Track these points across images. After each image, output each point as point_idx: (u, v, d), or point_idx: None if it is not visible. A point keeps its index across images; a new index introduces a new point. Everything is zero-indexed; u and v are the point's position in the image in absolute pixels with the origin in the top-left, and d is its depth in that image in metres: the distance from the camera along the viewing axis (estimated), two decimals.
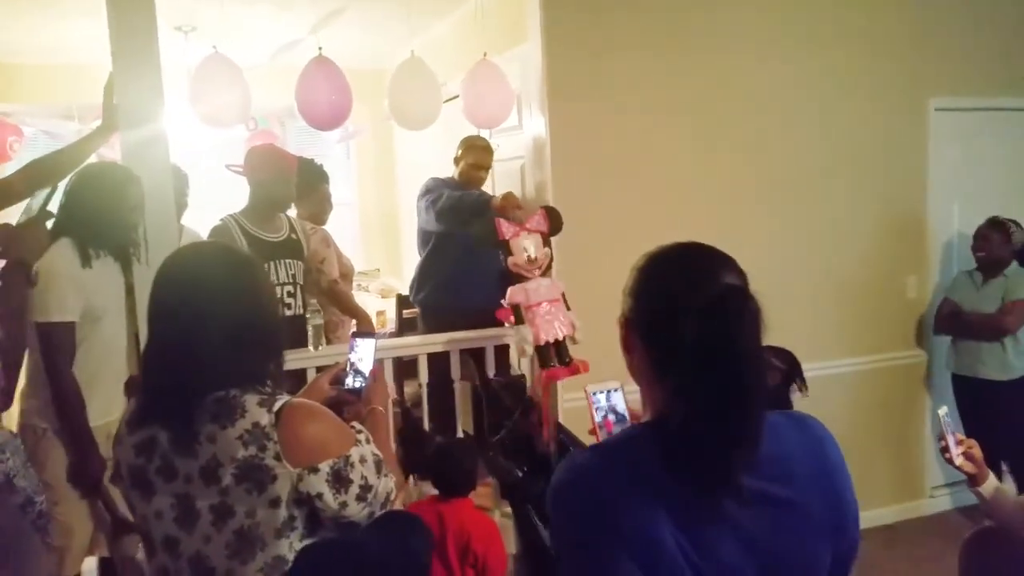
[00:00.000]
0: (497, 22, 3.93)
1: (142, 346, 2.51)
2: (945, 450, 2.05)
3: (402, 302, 4.32)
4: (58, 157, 2.58)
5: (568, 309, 2.96)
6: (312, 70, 3.37)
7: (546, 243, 2.95)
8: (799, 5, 3.62)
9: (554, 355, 2.91)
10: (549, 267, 2.96)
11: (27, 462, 2.07)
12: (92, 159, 2.76)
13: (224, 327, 1.33)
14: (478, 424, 3.62)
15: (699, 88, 3.45)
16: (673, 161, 3.43)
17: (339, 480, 1.33)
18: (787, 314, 3.55)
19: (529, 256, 2.89)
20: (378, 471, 1.41)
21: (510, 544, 3.19)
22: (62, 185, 2.44)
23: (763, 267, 3.69)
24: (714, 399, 0.99)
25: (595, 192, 3.32)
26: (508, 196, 3.10)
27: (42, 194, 1.75)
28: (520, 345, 2.89)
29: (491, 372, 3.35)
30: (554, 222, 2.96)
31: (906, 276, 3.95)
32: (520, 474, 3.08)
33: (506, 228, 2.87)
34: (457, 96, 3.69)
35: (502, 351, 3.32)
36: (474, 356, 3.44)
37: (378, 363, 1.82)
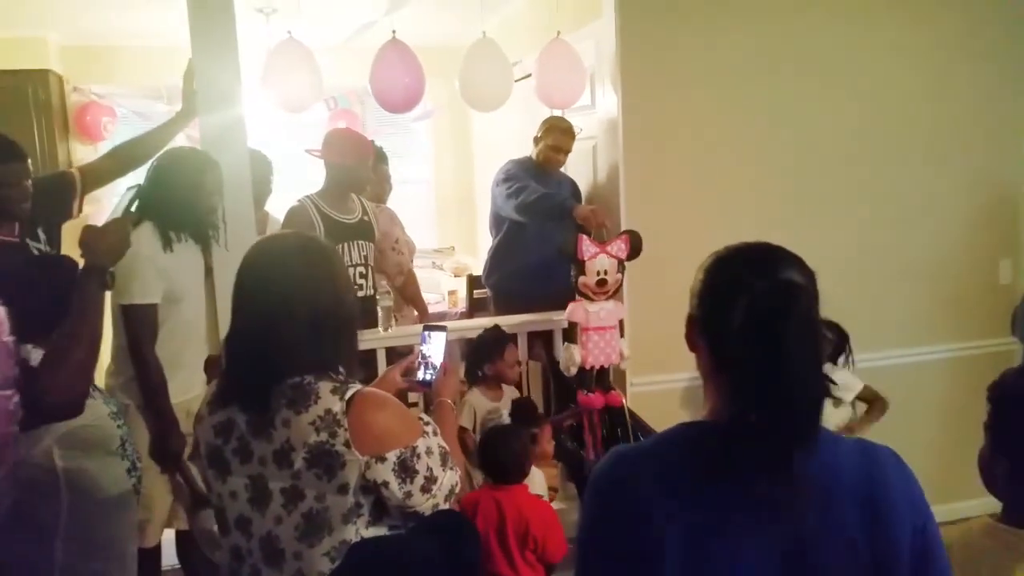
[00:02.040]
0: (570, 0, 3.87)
1: (221, 326, 2.63)
2: None
3: (473, 282, 4.34)
4: (140, 142, 2.68)
5: (622, 336, 2.97)
6: (386, 53, 3.39)
7: (620, 268, 2.93)
8: None
9: (595, 379, 2.94)
10: (617, 291, 2.95)
11: (131, 432, 2.19)
12: (178, 142, 2.86)
13: (302, 315, 1.37)
14: (546, 406, 3.63)
15: (778, 64, 3.32)
16: (750, 140, 3.32)
17: (405, 470, 1.35)
18: (871, 299, 3.46)
19: (600, 279, 2.87)
20: (443, 463, 1.43)
21: (571, 527, 3.20)
22: (115, 186, 2.53)
23: (849, 251, 3.62)
24: (761, 394, 1.00)
25: (668, 171, 3.25)
26: (596, 211, 3.09)
27: (127, 195, 1.82)
28: (567, 364, 2.91)
29: (559, 355, 3.35)
30: (634, 249, 2.93)
31: (1000, 260, 3.74)
32: (585, 456, 3.09)
33: (587, 249, 2.86)
34: (530, 75, 3.66)
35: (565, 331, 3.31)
36: (542, 338, 3.45)
37: (447, 357, 1.83)
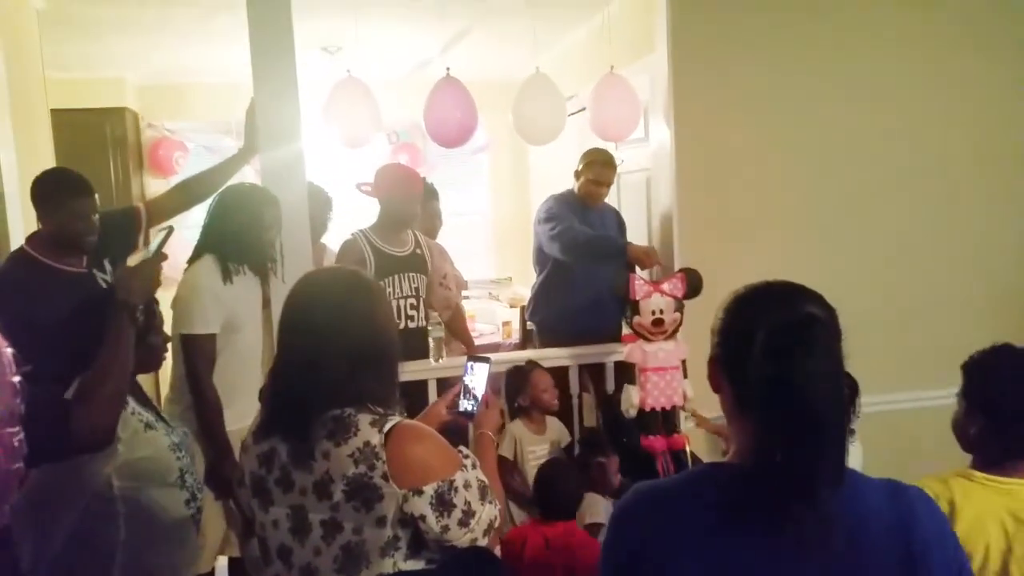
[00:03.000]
0: (624, 34, 3.89)
1: None
2: None
3: (526, 313, 4.34)
4: (204, 178, 2.79)
5: (685, 376, 2.88)
6: (439, 91, 3.46)
7: (678, 307, 2.86)
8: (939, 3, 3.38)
9: (661, 422, 2.86)
10: (676, 330, 2.88)
11: (193, 461, 2.24)
12: (245, 174, 2.95)
13: (343, 349, 1.39)
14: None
15: (833, 96, 3.28)
16: (805, 173, 3.29)
17: (442, 503, 1.35)
18: (933, 334, 3.33)
19: (656, 319, 2.82)
20: (482, 497, 1.42)
21: None
22: (185, 220, 2.60)
23: (914, 286, 3.49)
24: (784, 431, 0.99)
25: (722, 205, 3.23)
26: (649, 251, 3.06)
27: (160, 235, 1.88)
28: (626, 406, 2.86)
29: (610, 388, 3.33)
30: (692, 288, 2.86)
31: None
32: None
33: (639, 288, 2.82)
34: (584, 109, 3.69)
35: (622, 368, 3.28)
36: (592, 372, 3.42)
37: (489, 389, 1.83)
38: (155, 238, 1.87)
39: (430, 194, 3.76)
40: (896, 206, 3.38)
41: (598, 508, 2.71)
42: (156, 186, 5.42)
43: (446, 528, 1.36)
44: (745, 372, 1.04)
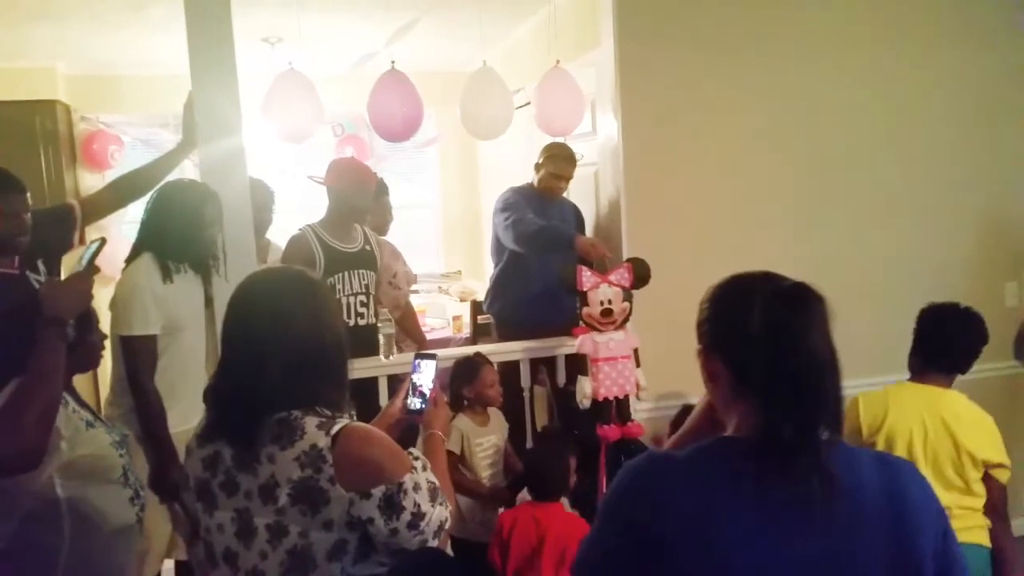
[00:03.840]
0: (570, 28, 3.90)
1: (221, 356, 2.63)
2: None
3: (477, 308, 4.34)
4: (141, 173, 2.70)
5: (638, 366, 2.91)
6: (384, 84, 3.41)
7: (626, 297, 2.89)
8: None
9: (615, 411, 2.88)
10: (626, 320, 2.90)
11: (133, 462, 2.18)
12: (187, 169, 2.87)
13: (289, 351, 1.37)
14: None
15: (779, 90, 3.32)
16: (752, 165, 3.32)
17: (391, 506, 1.33)
18: (874, 322, 3.43)
19: (604, 309, 2.84)
20: (432, 499, 1.40)
21: None
22: (121, 222, 2.54)
23: (853, 276, 3.60)
24: (789, 393, 1.03)
25: (669, 197, 3.24)
26: (597, 244, 3.08)
27: (91, 247, 1.81)
28: (579, 397, 2.88)
29: (562, 381, 3.34)
30: (639, 277, 2.89)
31: (1005, 283, 3.71)
32: (592, 484, 3.07)
33: (586, 279, 2.83)
34: (530, 103, 3.68)
35: (573, 359, 3.29)
36: (546, 365, 3.43)
37: (437, 386, 1.82)
38: (86, 250, 1.79)
39: (381, 189, 3.73)
40: (846, 194, 3.43)
41: None
42: (91, 181, 5.25)
43: (395, 531, 1.34)
44: (743, 347, 1.08)
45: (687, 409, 2.57)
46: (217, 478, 1.39)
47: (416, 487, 1.37)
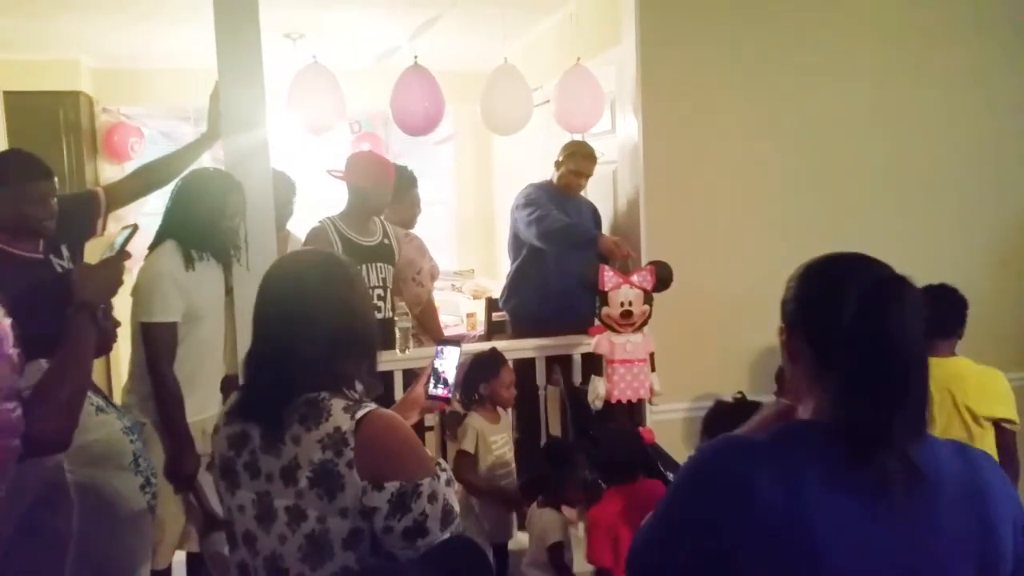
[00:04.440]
0: (591, 26, 3.90)
1: (240, 346, 2.64)
2: None
3: (492, 305, 4.33)
4: (165, 162, 2.72)
5: (653, 370, 2.89)
6: (407, 78, 3.43)
7: (647, 300, 2.86)
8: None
9: (628, 415, 2.88)
10: (644, 323, 2.88)
11: (146, 447, 2.18)
12: (204, 162, 2.89)
13: (320, 332, 1.37)
14: (564, 432, 3.60)
15: (801, 90, 3.31)
16: (773, 166, 3.31)
17: (401, 505, 1.29)
18: None
19: (624, 311, 2.82)
20: (445, 523, 1.34)
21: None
22: (160, 199, 2.56)
23: None
24: (876, 385, 1.02)
25: (689, 197, 3.24)
26: (620, 243, 3.07)
27: (124, 233, 1.82)
28: (592, 397, 2.86)
29: (577, 380, 3.33)
30: (661, 280, 2.87)
31: None
32: (604, 487, 3.05)
33: (608, 279, 2.81)
34: (549, 100, 3.69)
35: (589, 359, 3.28)
36: (560, 363, 3.43)
37: (460, 374, 1.80)
38: (119, 235, 1.80)
39: (410, 182, 3.71)
40: (868, 195, 3.42)
41: (556, 525, 2.67)
42: (110, 172, 5.29)
43: (389, 530, 1.30)
44: (832, 332, 1.06)
45: (720, 405, 2.56)
46: (242, 457, 1.39)
47: (432, 496, 1.32)
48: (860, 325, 1.04)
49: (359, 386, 1.44)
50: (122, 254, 1.77)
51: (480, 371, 2.87)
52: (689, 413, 3.18)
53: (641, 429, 2.90)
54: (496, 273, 5.63)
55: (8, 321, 1.13)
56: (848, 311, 1.04)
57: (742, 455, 1.07)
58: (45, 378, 1.52)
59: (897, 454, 1.01)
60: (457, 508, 1.38)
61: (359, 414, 1.33)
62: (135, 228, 1.85)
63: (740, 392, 2.66)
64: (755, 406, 2.57)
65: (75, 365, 1.57)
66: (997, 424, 2.53)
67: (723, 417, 2.45)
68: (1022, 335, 3.64)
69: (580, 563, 2.75)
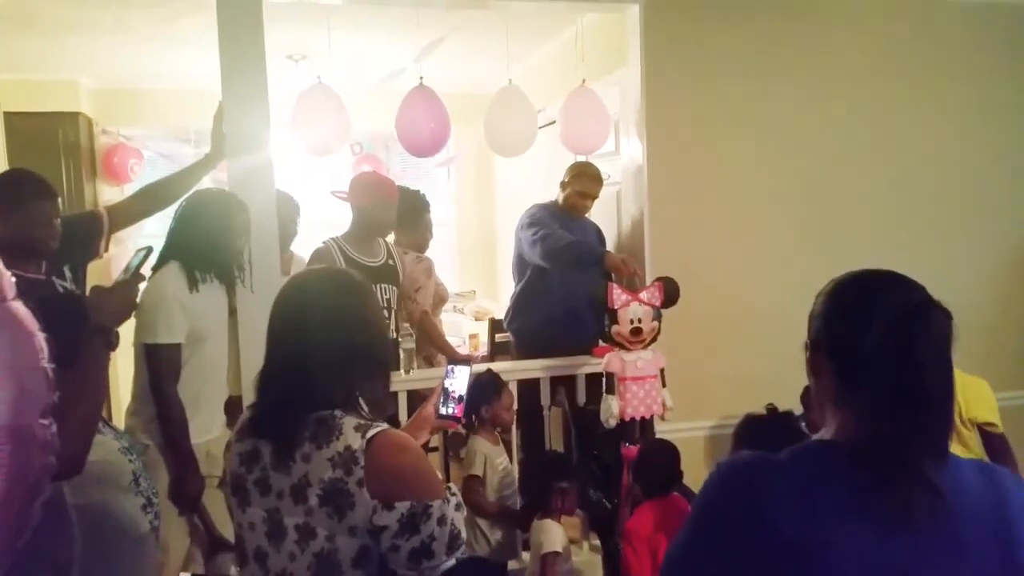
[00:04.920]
0: (596, 48, 3.91)
1: (243, 367, 2.61)
2: None
3: (495, 326, 4.32)
4: (168, 183, 2.71)
5: (664, 385, 2.90)
6: (412, 99, 3.42)
7: (656, 316, 2.87)
8: (915, 25, 3.46)
9: (639, 430, 2.87)
10: (653, 339, 2.88)
11: (146, 467, 2.15)
12: (205, 183, 2.88)
13: (333, 350, 1.36)
14: (566, 452, 3.57)
15: (805, 114, 3.33)
16: (777, 188, 3.32)
17: (411, 526, 1.28)
18: None
19: (634, 328, 2.82)
20: (449, 547, 1.32)
21: None
22: (166, 220, 2.55)
23: None
24: (899, 410, 1.01)
25: (693, 219, 3.25)
26: (627, 260, 3.06)
27: (138, 255, 1.81)
28: (605, 416, 2.85)
29: (581, 400, 3.31)
30: (669, 296, 2.87)
31: None
32: (609, 506, 3.02)
33: (617, 297, 2.81)
34: (554, 122, 3.69)
35: (593, 379, 3.27)
36: (564, 383, 3.41)
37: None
38: (134, 257, 1.78)
39: (423, 206, 3.72)
40: (873, 218, 3.43)
41: (554, 536, 2.69)
42: (110, 194, 5.27)
43: (395, 548, 1.28)
44: (858, 353, 1.05)
45: (751, 419, 2.56)
46: (253, 474, 1.38)
47: (442, 520, 1.30)
48: (886, 348, 1.02)
49: (364, 407, 1.42)
50: (136, 276, 1.75)
51: (481, 394, 2.85)
52: (690, 433, 3.16)
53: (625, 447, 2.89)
54: (497, 294, 5.61)
55: (43, 336, 1.10)
56: (875, 333, 1.03)
57: (758, 478, 1.06)
58: (58, 402, 1.49)
59: (919, 478, 0.99)
60: (464, 534, 1.36)
61: (370, 433, 1.31)
62: (149, 250, 1.83)
63: (771, 404, 2.65)
64: (787, 417, 2.59)
65: (90, 389, 1.54)
66: (981, 428, 2.66)
67: (754, 429, 2.45)
68: (1018, 355, 3.64)
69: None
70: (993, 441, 2.69)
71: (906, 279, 1.11)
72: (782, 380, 2.67)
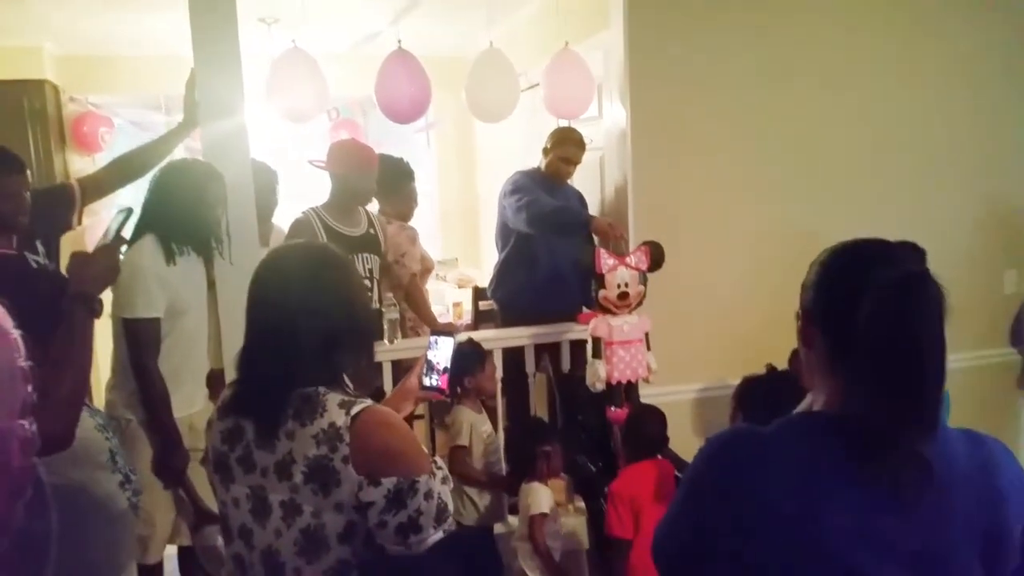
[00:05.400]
0: (578, 9, 3.84)
1: (223, 340, 2.57)
2: None
3: (478, 294, 4.29)
4: (141, 153, 2.64)
5: (648, 349, 2.90)
6: (391, 64, 3.35)
7: (642, 280, 2.86)
8: None
9: (624, 394, 2.89)
10: (639, 304, 2.88)
11: (122, 443, 2.12)
12: (179, 152, 2.81)
13: (314, 325, 1.34)
14: (551, 418, 3.58)
15: (787, 75, 3.29)
16: (759, 152, 3.29)
17: (397, 501, 1.27)
18: None
19: (621, 292, 2.82)
20: (438, 520, 1.32)
21: (582, 542, 3.16)
22: (139, 191, 2.49)
23: None
24: (891, 383, 1.00)
25: (677, 183, 3.21)
26: (614, 224, 3.03)
27: (118, 217, 1.75)
28: (592, 380, 2.86)
29: (566, 367, 3.31)
30: (655, 260, 2.86)
31: (1004, 270, 3.73)
32: (594, 469, 3.05)
33: (604, 261, 2.80)
34: (537, 85, 3.63)
35: (577, 346, 3.26)
36: (549, 350, 3.40)
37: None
38: (113, 220, 1.72)
39: (407, 176, 3.67)
40: (848, 183, 3.42)
41: (541, 498, 2.73)
42: (80, 164, 5.13)
43: (383, 524, 1.28)
44: (850, 323, 1.03)
45: (751, 381, 2.55)
46: (236, 452, 1.37)
47: (428, 494, 1.31)
48: (877, 319, 1.01)
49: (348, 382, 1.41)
50: (118, 240, 1.70)
51: (463, 365, 2.84)
52: (676, 397, 3.18)
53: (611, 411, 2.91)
54: (480, 262, 5.58)
55: (18, 333, 1.06)
56: (866, 304, 1.01)
57: (748, 452, 1.07)
58: (43, 376, 1.45)
59: (909, 452, 0.99)
60: (451, 506, 1.37)
61: (355, 410, 1.31)
62: (129, 211, 1.77)
63: (770, 363, 2.66)
64: (786, 375, 2.60)
65: (74, 361, 1.50)
66: None
67: (756, 391, 2.45)
68: (991, 316, 3.70)
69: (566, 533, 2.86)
70: None
71: (900, 249, 1.10)
72: (765, 344, 2.70)
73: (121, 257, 1.72)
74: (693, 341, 3.21)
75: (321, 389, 1.33)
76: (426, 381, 1.71)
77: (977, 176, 3.63)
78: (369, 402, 1.34)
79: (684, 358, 3.19)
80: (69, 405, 1.46)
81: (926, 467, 1.00)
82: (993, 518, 1.03)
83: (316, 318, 1.34)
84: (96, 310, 1.59)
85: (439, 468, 1.37)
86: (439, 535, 1.33)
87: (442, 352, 1.73)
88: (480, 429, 2.91)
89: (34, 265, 2.26)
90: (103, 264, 1.64)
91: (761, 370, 2.63)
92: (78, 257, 1.66)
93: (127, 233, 1.76)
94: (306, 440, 1.29)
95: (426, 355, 1.73)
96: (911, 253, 1.09)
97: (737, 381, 2.60)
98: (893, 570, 1.00)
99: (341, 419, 1.29)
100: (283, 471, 1.30)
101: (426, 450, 1.40)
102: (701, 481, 1.11)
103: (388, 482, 1.27)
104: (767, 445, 1.06)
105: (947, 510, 1.02)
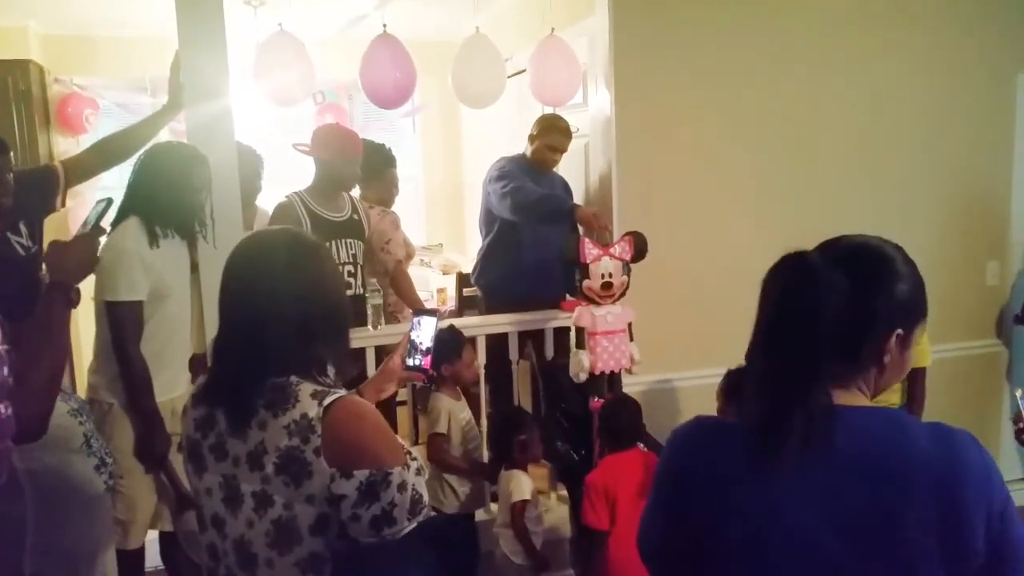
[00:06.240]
0: None
1: (206, 324, 2.57)
2: (1022, 431, 1.99)
3: (463, 280, 4.30)
4: (126, 136, 2.63)
5: (632, 339, 2.91)
6: (377, 48, 3.34)
7: (626, 271, 2.87)
8: None
9: (606, 384, 2.90)
10: (623, 294, 2.89)
11: (98, 428, 2.12)
12: (164, 135, 2.80)
13: (288, 314, 1.33)
14: (535, 406, 3.59)
15: (773, 63, 3.31)
16: (744, 139, 3.31)
17: (370, 493, 1.26)
18: None
19: (605, 282, 2.82)
20: (412, 512, 1.31)
21: (563, 528, 3.19)
22: (123, 173, 2.48)
23: None
24: (768, 368, 1.06)
25: (662, 171, 3.23)
26: (599, 214, 3.04)
27: (98, 207, 1.75)
28: (576, 370, 2.87)
29: (549, 354, 3.33)
30: (638, 250, 2.87)
31: (987, 262, 3.76)
32: (576, 457, 3.07)
33: (588, 251, 2.80)
34: (523, 71, 3.62)
35: (561, 333, 3.28)
36: (532, 338, 3.42)
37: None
38: (93, 209, 1.72)
39: (388, 161, 3.67)
40: (833, 173, 3.44)
41: (522, 485, 2.75)
42: (65, 145, 5.09)
43: (356, 518, 1.27)
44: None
45: (731, 375, 2.59)
46: (208, 440, 1.36)
47: (402, 486, 1.29)
48: (764, 300, 1.09)
49: (331, 370, 1.40)
50: (97, 229, 1.70)
51: (442, 352, 2.83)
52: (660, 386, 3.21)
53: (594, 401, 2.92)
54: (465, 248, 5.58)
55: None
56: (761, 293, 1.10)
57: (698, 442, 1.14)
58: (19, 363, 1.45)
59: (789, 428, 1.02)
60: (427, 497, 1.36)
61: (327, 401, 1.29)
62: (109, 202, 1.77)
63: None
64: None
65: (51, 348, 1.50)
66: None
67: (739, 383, 2.48)
68: (975, 307, 3.74)
69: (549, 522, 2.89)
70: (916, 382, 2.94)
71: (841, 241, 1.16)
72: (748, 334, 2.71)
73: (100, 247, 1.72)
74: (676, 331, 3.23)
75: (294, 379, 1.32)
76: (409, 361, 1.71)
77: (959, 169, 3.65)
78: (343, 392, 1.33)
79: (667, 347, 3.21)
80: (45, 394, 1.46)
81: (806, 441, 1.02)
82: (951, 502, 1.03)
83: (287, 307, 1.33)
84: (73, 300, 1.58)
85: (413, 459, 1.36)
86: (413, 526, 1.32)
87: (425, 332, 1.72)
88: (459, 416, 2.92)
89: (17, 247, 2.26)
90: (81, 253, 1.63)
91: (743, 362, 2.66)
92: (56, 246, 1.66)
93: (106, 223, 1.75)
94: (278, 431, 1.28)
95: (409, 335, 1.74)
96: (850, 254, 1.13)
97: (719, 371, 2.62)
98: (829, 541, 1.02)
99: (313, 410, 1.28)
100: (255, 461, 1.29)
101: (409, 437, 1.40)
102: (663, 473, 1.18)
103: (360, 475, 1.26)
104: (706, 435, 1.13)
105: (839, 491, 1.03)
